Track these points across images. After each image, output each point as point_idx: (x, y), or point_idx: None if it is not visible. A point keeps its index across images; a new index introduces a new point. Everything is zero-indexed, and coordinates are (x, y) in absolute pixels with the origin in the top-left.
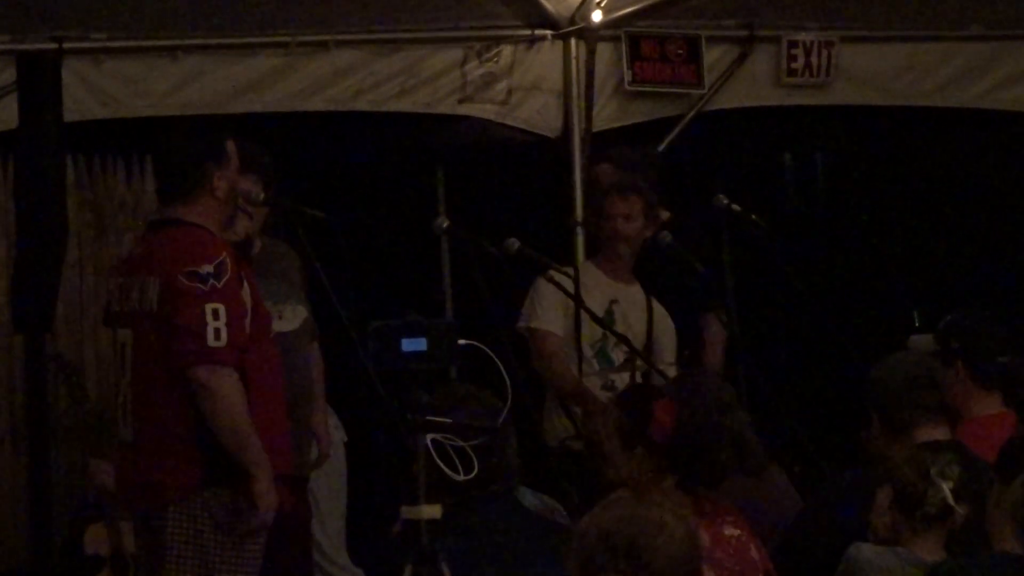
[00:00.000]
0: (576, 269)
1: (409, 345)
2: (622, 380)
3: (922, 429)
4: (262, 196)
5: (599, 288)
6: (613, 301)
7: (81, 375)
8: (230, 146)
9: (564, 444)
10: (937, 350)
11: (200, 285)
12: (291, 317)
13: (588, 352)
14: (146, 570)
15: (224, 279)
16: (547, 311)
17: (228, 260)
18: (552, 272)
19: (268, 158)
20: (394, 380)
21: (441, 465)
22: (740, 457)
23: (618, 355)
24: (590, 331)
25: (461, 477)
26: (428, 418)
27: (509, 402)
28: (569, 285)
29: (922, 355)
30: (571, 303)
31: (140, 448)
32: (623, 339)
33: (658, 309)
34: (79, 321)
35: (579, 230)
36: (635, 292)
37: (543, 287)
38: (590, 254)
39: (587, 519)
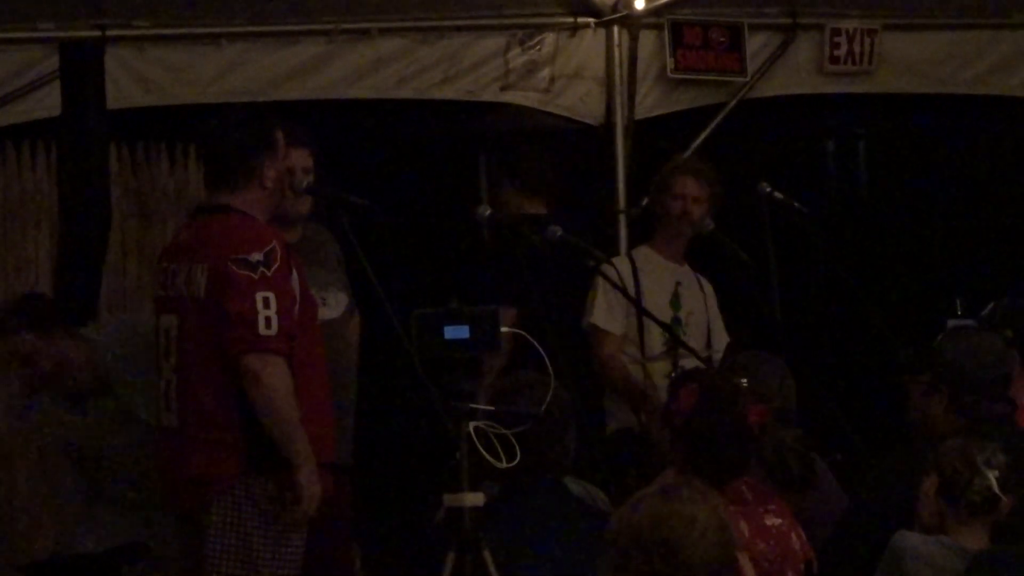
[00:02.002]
0: (631, 256)
1: (452, 333)
2: (689, 364)
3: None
4: (305, 184)
5: (663, 271)
6: (678, 283)
7: None
8: (279, 135)
9: (623, 430)
10: None
11: (251, 273)
12: (334, 304)
13: (658, 337)
14: (190, 561)
15: (274, 267)
16: (605, 308)
17: (278, 248)
18: (606, 266)
19: (311, 137)
20: (437, 368)
21: (483, 453)
22: (775, 472)
23: (689, 337)
24: (661, 317)
25: (503, 465)
26: (471, 406)
27: (551, 389)
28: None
29: (999, 342)
30: (631, 293)
31: (184, 435)
32: (665, 327)
33: (707, 288)
34: (122, 309)
35: (621, 218)
36: (689, 272)
37: (602, 281)
38: (633, 242)
39: (617, 519)
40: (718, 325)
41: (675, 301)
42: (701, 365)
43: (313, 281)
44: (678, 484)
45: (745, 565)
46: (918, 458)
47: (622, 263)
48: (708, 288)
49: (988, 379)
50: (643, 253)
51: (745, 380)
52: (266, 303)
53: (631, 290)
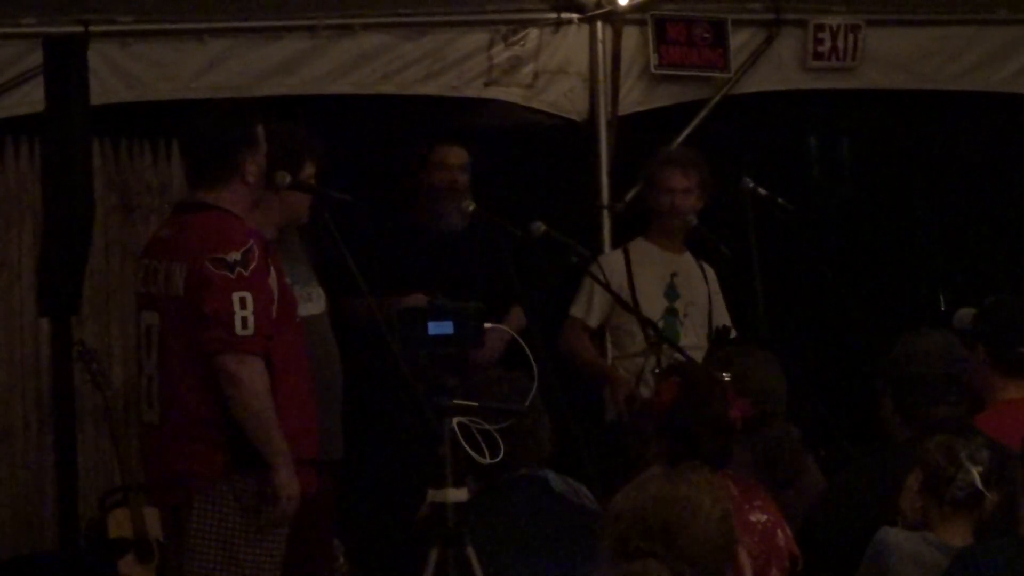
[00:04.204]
0: (626, 249)
1: (436, 328)
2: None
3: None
4: (287, 181)
5: (657, 263)
6: (673, 274)
7: (104, 361)
8: (261, 131)
9: (616, 421)
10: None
11: (227, 273)
12: (317, 299)
13: (650, 331)
14: (173, 557)
15: (251, 267)
16: (585, 300)
17: (255, 247)
18: (599, 259)
19: (320, 142)
20: (420, 363)
21: (467, 448)
22: (766, 469)
23: (685, 331)
24: (654, 309)
25: (487, 460)
26: (454, 401)
27: (535, 385)
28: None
29: (946, 342)
30: (623, 288)
31: (165, 431)
32: (649, 323)
33: (710, 274)
34: (105, 304)
35: (605, 213)
36: (689, 261)
37: (586, 275)
38: (617, 238)
39: (620, 499)
40: (719, 308)
41: (670, 292)
42: (681, 358)
43: (298, 278)
44: (686, 469)
45: (743, 559)
46: (883, 458)
47: (615, 256)
48: (711, 273)
49: (930, 380)
50: (639, 245)
51: (727, 374)
52: (243, 303)
53: (624, 283)
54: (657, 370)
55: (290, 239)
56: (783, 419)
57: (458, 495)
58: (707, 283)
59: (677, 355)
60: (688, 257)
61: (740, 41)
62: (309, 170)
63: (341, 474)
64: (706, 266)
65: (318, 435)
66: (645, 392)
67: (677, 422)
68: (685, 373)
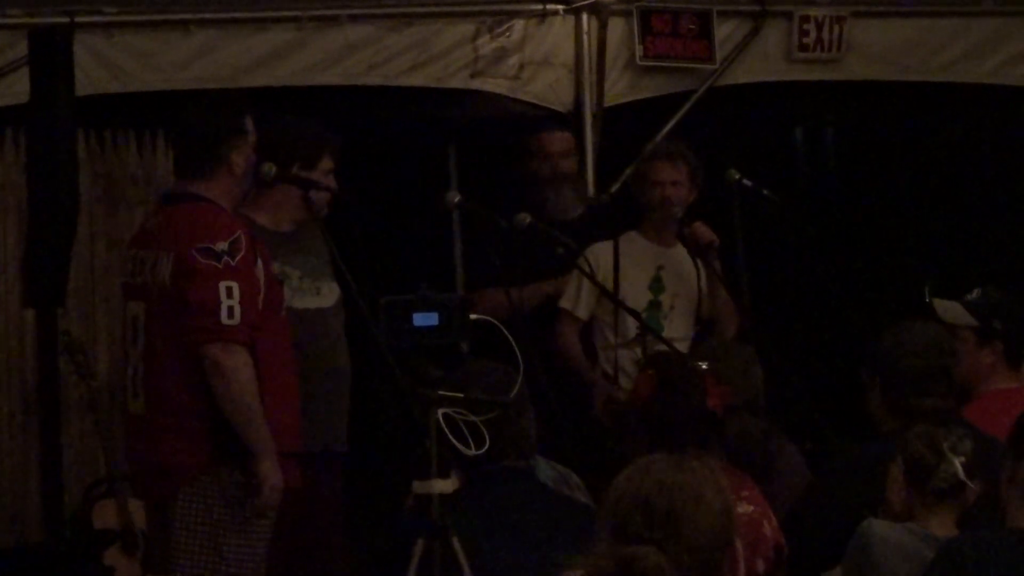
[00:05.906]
0: (616, 241)
1: (421, 320)
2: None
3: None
4: (274, 172)
5: (645, 255)
6: (660, 267)
7: (88, 351)
8: (249, 122)
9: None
10: (974, 326)
11: (214, 262)
12: (327, 293)
13: (632, 322)
14: (158, 549)
15: (238, 256)
16: (574, 292)
17: (243, 237)
18: (586, 253)
19: (338, 138)
20: (406, 355)
21: (452, 440)
22: (737, 460)
23: (670, 323)
24: (637, 302)
25: (472, 451)
26: (440, 393)
27: (521, 376)
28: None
29: (937, 334)
30: (607, 280)
31: (151, 422)
32: (634, 314)
33: (702, 266)
34: (91, 295)
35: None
36: (680, 253)
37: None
38: (605, 230)
39: (624, 480)
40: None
41: (655, 285)
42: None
43: (308, 270)
44: (689, 456)
45: (738, 550)
46: (869, 450)
47: (604, 248)
48: (703, 266)
49: (920, 372)
50: (629, 238)
51: (705, 364)
52: (229, 292)
53: (610, 275)
54: (641, 361)
55: (307, 232)
56: (750, 412)
57: (444, 487)
58: (699, 276)
59: (661, 346)
60: (679, 250)
61: (725, 32)
62: (326, 164)
63: (345, 467)
64: (701, 262)
65: (300, 428)
66: (625, 382)
67: (657, 413)
68: (661, 364)
